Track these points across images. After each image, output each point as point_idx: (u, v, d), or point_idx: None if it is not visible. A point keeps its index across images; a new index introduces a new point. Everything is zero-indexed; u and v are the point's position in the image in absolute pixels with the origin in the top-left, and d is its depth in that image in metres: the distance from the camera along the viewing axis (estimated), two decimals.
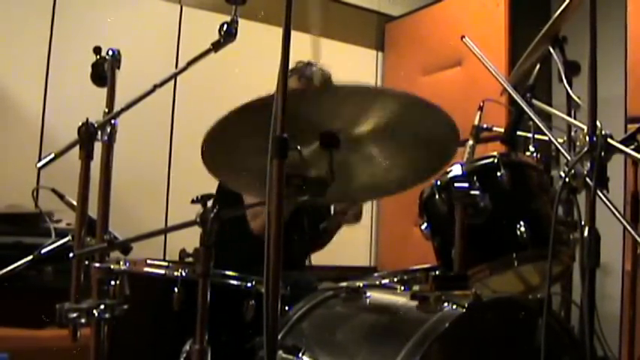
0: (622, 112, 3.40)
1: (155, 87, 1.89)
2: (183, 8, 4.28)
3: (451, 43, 4.18)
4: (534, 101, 2.18)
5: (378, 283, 2.05)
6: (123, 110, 1.89)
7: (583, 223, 1.41)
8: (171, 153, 4.16)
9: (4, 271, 2.31)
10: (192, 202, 1.60)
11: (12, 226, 3.09)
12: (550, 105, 2.19)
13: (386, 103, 1.70)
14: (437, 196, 2.17)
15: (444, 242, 2.17)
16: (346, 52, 4.91)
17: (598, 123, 1.43)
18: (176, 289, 1.84)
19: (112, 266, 1.89)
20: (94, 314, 1.75)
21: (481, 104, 2.67)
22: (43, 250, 2.33)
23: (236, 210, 2.52)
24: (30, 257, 2.32)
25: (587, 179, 1.42)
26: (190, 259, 1.63)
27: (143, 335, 2.02)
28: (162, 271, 1.97)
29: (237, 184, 2.13)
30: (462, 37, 2.26)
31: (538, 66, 2.33)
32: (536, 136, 2.39)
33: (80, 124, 1.84)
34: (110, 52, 1.95)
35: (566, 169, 1.47)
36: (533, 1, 4.33)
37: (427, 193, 2.23)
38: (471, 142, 2.56)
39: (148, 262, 2.01)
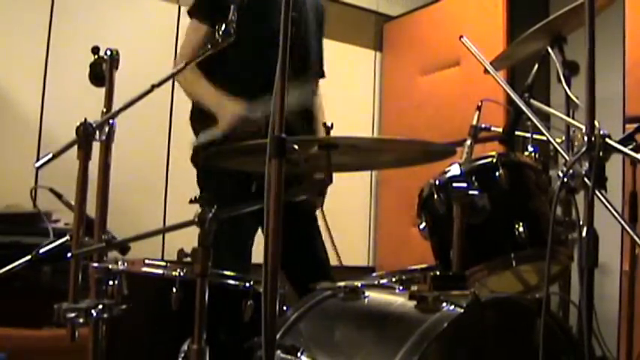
0: (620, 111, 3.40)
1: (153, 87, 1.88)
2: (182, 8, 4.28)
3: (449, 43, 4.19)
4: (533, 101, 2.18)
5: (376, 283, 2.05)
6: (121, 110, 1.88)
7: (581, 223, 1.41)
8: (169, 153, 4.16)
9: (2, 270, 2.31)
10: (191, 202, 1.60)
11: (10, 225, 3.09)
12: (548, 105, 2.19)
13: None
14: (435, 196, 2.17)
15: (443, 242, 2.17)
16: (345, 52, 4.91)
17: (596, 123, 1.43)
18: (174, 289, 1.84)
19: (110, 266, 1.89)
20: (92, 314, 1.74)
21: (479, 104, 2.68)
22: (41, 250, 2.33)
23: (235, 210, 2.51)
24: (28, 257, 2.31)
25: (586, 179, 1.42)
26: (188, 259, 1.63)
27: (141, 335, 2.01)
28: (160, 271, 1.97)
29: None
30: (461, 37, 2.27)
31: (537, 66, 2.34)
32: (535, 136, 2.39)
33: (78, 123, 1.84)
34: (108, 52, 1.95)
35: (565, 169, 1.47)
36: (532, 1, 4.33)
37: (425, 192, 2.23)
38: (469, 142, 2.56)
39: (146, 262, 2.01)
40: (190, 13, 2.77)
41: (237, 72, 2.66)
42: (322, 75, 3.09)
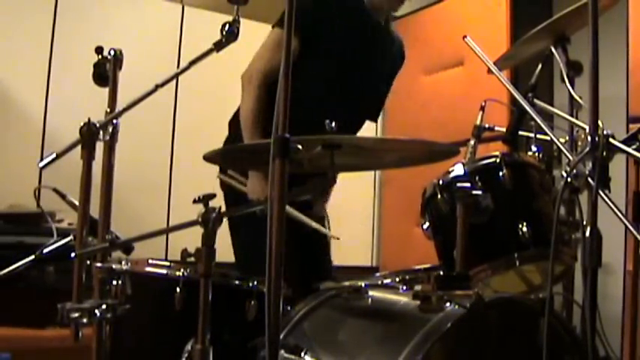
0: (624, 111, 3.39)
1: (157, 87, 1.89)
2: (185, 8, 4.29)
3: (453, 42, 4.19)
4: (536, 101, 2.18)
5: (380, 282, 2.05)
6: (125, 110, 1.89)
7: (585, 222, 1.41)
8: (172, 153, 4.17)
9: (6, 270, 2.32)
10: (194, 201, 1.60)
11: (14, 225, 3.10)
12: (552, 105, 2.19)
13: None
14: (439, 196, 2.16)
15: (446, 242, 2.17)
16: None
17: (600, 123, 1.43)
18: (178, 289, 1.84)
19: (113, 266, 1.89)
20: (95, 314, 1.75)
21: (483, 104, 2.67)
22: (45, 250, 2.34)
23: (238, 210, 2.52)
24: (32, 257, 2.32)
25: (589, 179, 1.42)
26: (192, 259, 1.63)
27: (145, 335, 2.02)
28: (164, 271, 1.97)
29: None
30: (464, 36, 2.27)
31: (540, 66, 2.33)
32: (538, 135, 2.39)
33: (82, 123, 1.84)
34: (112, 52, 1.96)
35: (568, 169, 1.47)
36: (535, 1, 4.33)
37: (429, 192, 2.23)
38: (472, 142, 2.56)
39: (150, 261, 2.01)
40: (277, 24, 2.76)
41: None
42: (373, 118, 3.08)
